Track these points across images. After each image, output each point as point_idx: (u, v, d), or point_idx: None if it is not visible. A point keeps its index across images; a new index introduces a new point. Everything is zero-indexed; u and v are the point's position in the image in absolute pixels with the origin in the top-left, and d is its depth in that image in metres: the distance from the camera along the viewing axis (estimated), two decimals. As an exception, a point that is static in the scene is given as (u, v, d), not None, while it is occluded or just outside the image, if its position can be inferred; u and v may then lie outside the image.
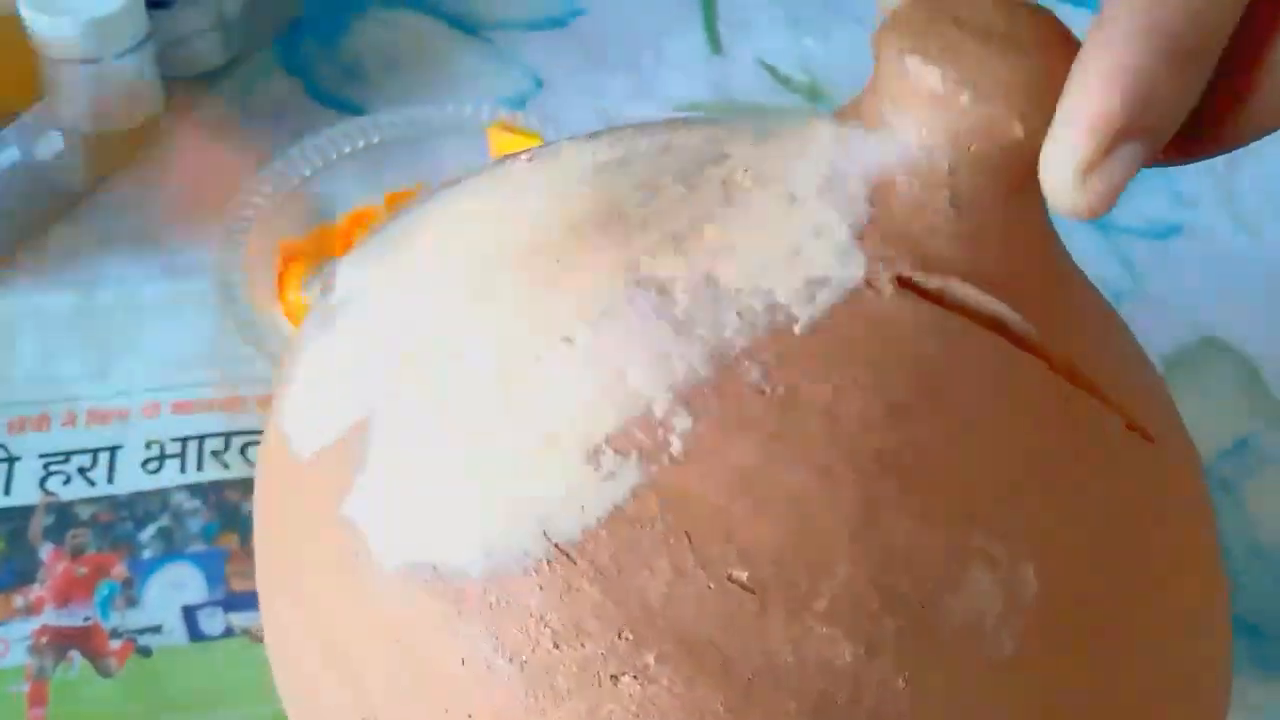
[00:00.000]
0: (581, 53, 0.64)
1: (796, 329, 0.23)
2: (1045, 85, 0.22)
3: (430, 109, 0.53)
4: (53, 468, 0.44)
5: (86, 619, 0.41)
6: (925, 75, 0.23)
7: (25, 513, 0.43)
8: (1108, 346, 0.27)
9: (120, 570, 0.42)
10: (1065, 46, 0.23)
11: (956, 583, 0.22)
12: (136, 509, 0.43)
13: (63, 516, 0.43)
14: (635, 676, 0.22)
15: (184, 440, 0.45)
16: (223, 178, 0.53)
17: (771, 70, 0.64)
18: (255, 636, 0.40)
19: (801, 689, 0.22)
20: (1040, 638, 0.23)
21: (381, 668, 0.24)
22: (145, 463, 0.45)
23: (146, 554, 0.42)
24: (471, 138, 0.53)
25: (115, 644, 0.40)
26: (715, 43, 0.64)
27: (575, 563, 0.22)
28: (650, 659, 0.22)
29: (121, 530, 0.43)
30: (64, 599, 0.41)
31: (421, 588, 0.23)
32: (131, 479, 0.44)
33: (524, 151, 0.29)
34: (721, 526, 0.22)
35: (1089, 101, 0.19)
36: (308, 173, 0.50)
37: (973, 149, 0.23)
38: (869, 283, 0.23)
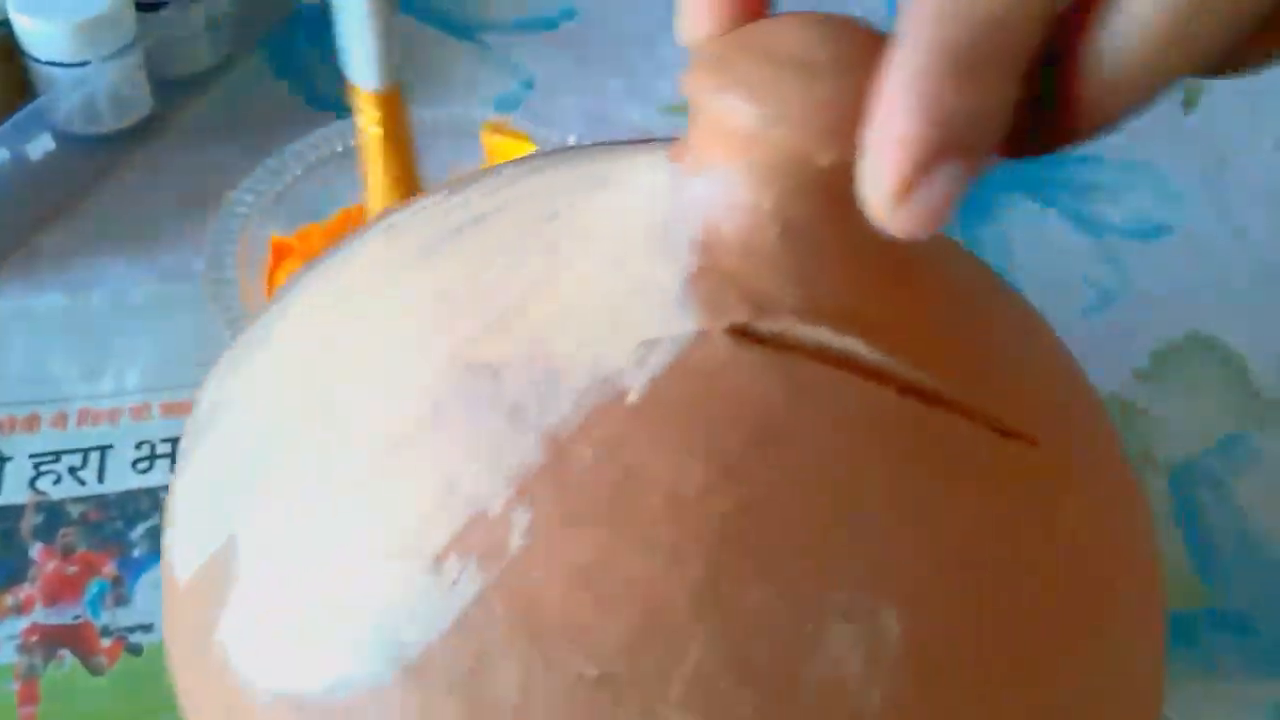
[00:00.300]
0: (573, 55, 0.64)
1: (630, 399, 0.22)
2: (858, 109, 0.21)
3: (421, 110, 0.53)
4: (43, 467, 0.44)
5: (77, 618, 0.41)
6: (736, 113, 0.22)
7: (15, 512, 0.43)
8: (978, 348, 0.26)
9: (110, 569, 0.42)
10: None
11: (813, 644, 0.21)
12: (127, 508, 0.43)
13: (53, 516, 0.43)
14: None
15: (174, 440, 0.45)
16: (213, 179, 0.53)
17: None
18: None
19: None
20: (912, 684, 0.22)
21: None
22: (135, 463, 0.45)
23: (137, 553, 0.42)
24: (463, 139, 0.53)
25: (106, 642, 0.40)
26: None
27: (429, 678, 0.22)
28: None
29: (111, 529, 0.43)
30: (54, 598, 0.41)
31: (294, 717, 0.23)
32: (122, 479, 0.44)
33: (393, 213, 0.29)
34: (568, 624, 0.21)
35: (892, 126, 0.18)
36: (299, 171, 0.50)
37: (795, 182, 0.22)
38: (702, 337, 0.23)
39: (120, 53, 0.52)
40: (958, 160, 0.18)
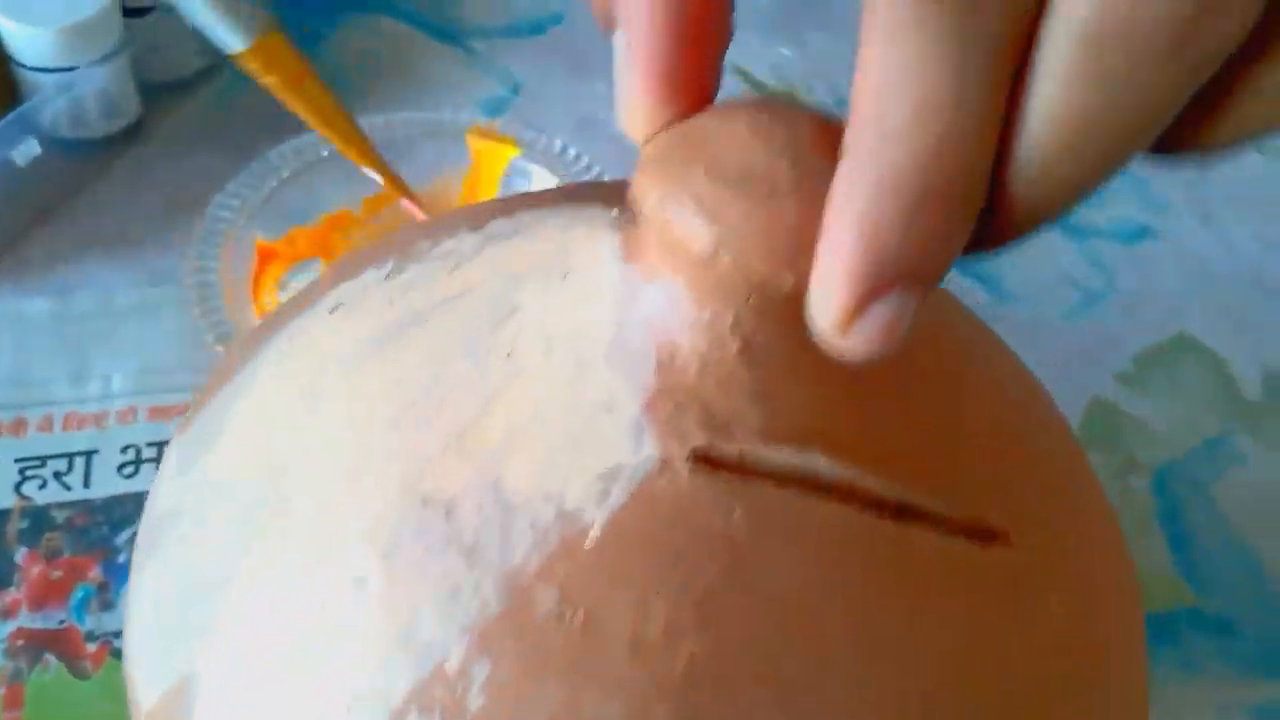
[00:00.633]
0: (560, 60, 0.64)
1: (591, 536, 0.21)
2: (810, 229, 0.19)
3: (409, 115, 0.54)
4: (29, 472, 0.44)
5: (62, 622, 0.41)
6: (685, 232, 0.21)
7: (1, 517, 0.43)
8: (952, 448, 0.24)
9: (96, 574, 0.42)
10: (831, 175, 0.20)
11: None
12: (112, 513, 0.43)
13: (38, 520, 0.43)
14: None
15: (160, 445, 0.45)
16: (199, 184, 0.53)
17: (747, 77, 0.64)
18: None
19: None
20: None
21: None
22: (121, 467, 0.45)
23: (122, 558, 0.42)
24: (450, 143, 0.53)
25: (91, 647, 0.40)
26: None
27: None
28: None
29: (97, 534, 0.43)
30: (39, 602, 0.41)
31: None
32: (108, 483, 0.44)
33: (341, 280, 0.28)
34: None
35: (837, 255, 0.18)
36: (285, 174, 0.50)
37: (751, 300, 0.21)
38: (664, 465, 0.22)
39: (107, 58, 0.52)
40: (903, 290, 0.18)
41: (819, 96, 0.63)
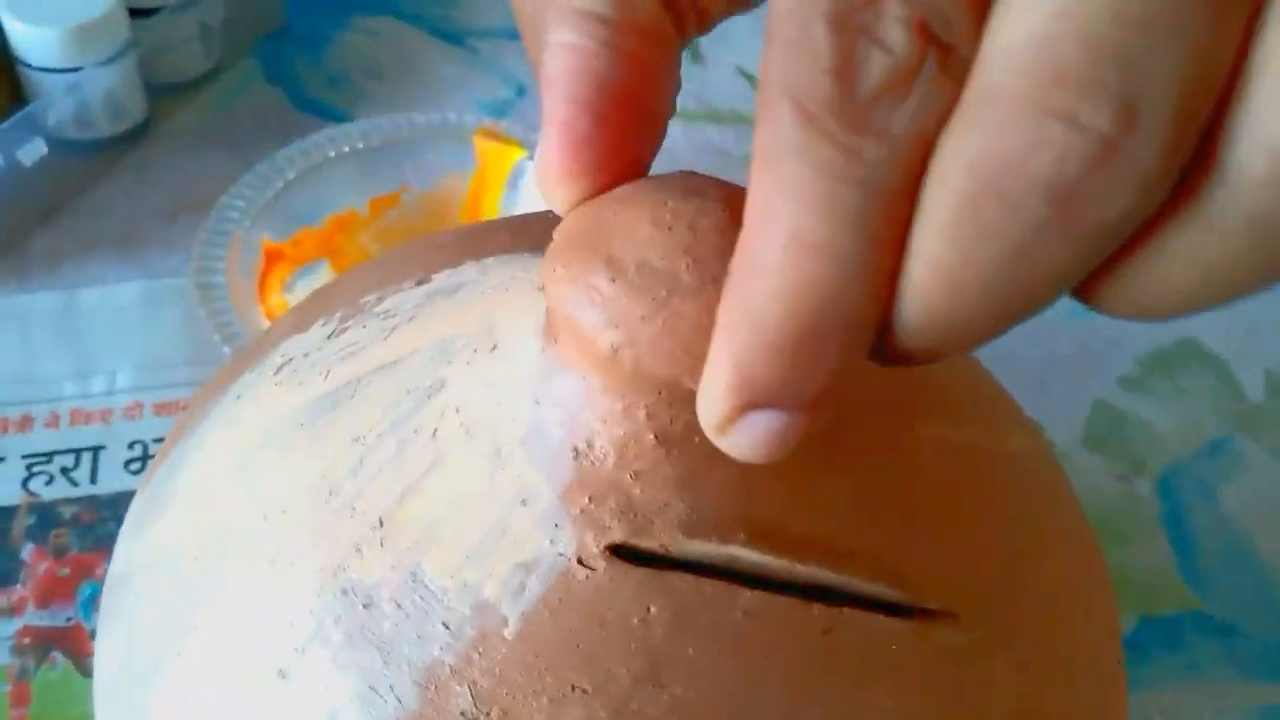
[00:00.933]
0: (563, 62, 0.64)
1: (506, 633, 0.21)
2: (706, 327, 0.19)
3: (414, 116, 0.54)
4: (35, 468, 0.44)
5: (69, 619, 0.41)
6: (586, 331, 0.20)
7: (8, 513, 0.43)
8: (894, 517, 0.24)
9: (103, 571, 0.42)
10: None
11: None
12: (119, 509, 0.43)
13: (45, 517, 0.43)
14: None
15: (166, 443, 0.45)
16: (205, 184, 0.53)
17: (751, 79, 0.64)
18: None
19: None
20: None
21: None
22: (128, 463, 0.45)
23: (129, 555, 0.42)
24: (455, 144, 0.53)
25: (97, 644, 0.40)
26: (695, 52, 0.65)
27: None
28: None
29: (104, 531, 0.43)
30: (46, 599, 0.41)
31: None
32: (114, 479, 0.44)
33: (291, 333, 0.28)
34: None
35: (713, 366, 0.18)
36: (292, 176, 0.50)
37: (663, 394, 0.21)
38: (580, 560, 0.21)
39: (113, 59, 0.52)
40: (774, 411, 0.18)
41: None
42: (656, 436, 0.21)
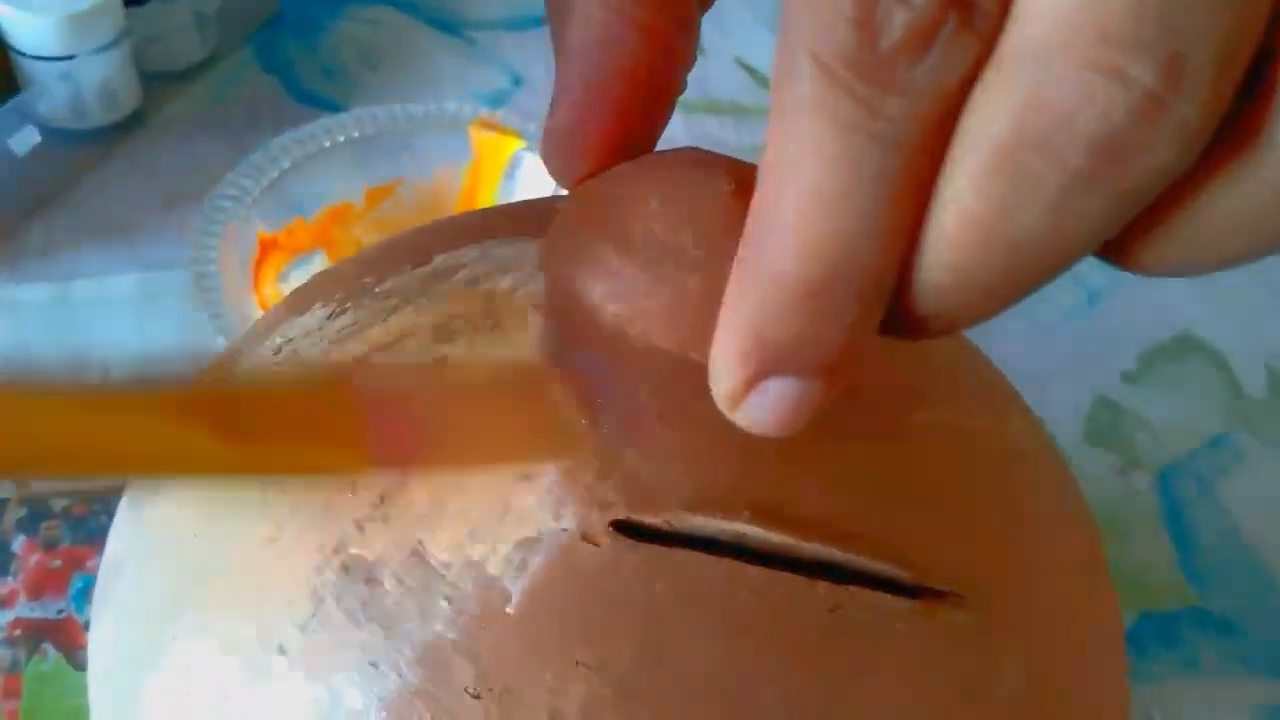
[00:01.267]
0: (561, 53, 0.64)
1: (509, 609, 0.21)
2: (714, 300, 0.19)
3: (410, 106, 0.53)
4: (26, 460, 0.44)
5: (60, 612, 0.40)
6: (593, 311, 0.21)
7: (-2, 505, 0.43)
8: (904, 499, 0.23)
9: (94, 563, 0.41)
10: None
11: None
12: (111, 502, 0.43)
13: (36, 509, 0.43)
14: None
15: (159, 435, 0.45)
16: (199, 174, 0.52)
17: (751, 71, 0.64)
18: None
19: None
20: None
21: None
22: (120, 456, 0.44)
23: (121, 548, 0.42)
24: (452, 134, 0.52)
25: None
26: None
27: None
28: None
29: (95, 523, 0.42)
30: (37, 591, 0.41)
31: None
32: (106, 472, 0.44)
33: (279, 328, 0.27)
34: None
35: (726, 335, 0.18)
36: (286, 165, 0.50)
37: (666, 367, 0.21)
38: (584, 536, 0.21)
39: (107, 47, 0.52)
40: (791, 377, 0.18)
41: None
42: (661, 412, 0.21)
